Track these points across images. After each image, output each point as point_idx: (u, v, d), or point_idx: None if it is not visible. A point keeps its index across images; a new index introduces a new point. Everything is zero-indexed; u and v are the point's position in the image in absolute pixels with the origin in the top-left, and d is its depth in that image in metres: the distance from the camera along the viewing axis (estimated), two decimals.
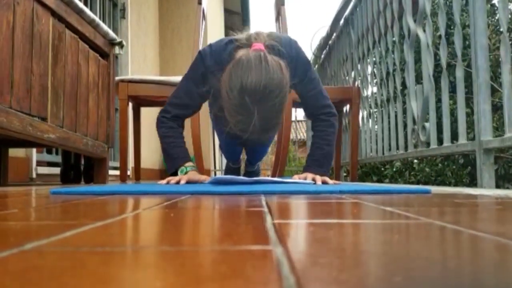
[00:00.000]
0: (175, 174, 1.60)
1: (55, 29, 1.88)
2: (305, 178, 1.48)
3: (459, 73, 1.75)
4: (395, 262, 0.28)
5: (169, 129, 1.64)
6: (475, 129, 1.60)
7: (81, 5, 2.05)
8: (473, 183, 4.71)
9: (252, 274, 0.24)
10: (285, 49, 1.51)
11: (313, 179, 1.44)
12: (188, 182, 1.45)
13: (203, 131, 1.69)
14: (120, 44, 2.51)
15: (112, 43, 2.47)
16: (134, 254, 0.31)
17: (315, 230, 0.42)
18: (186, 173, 1.56)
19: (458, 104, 1.76)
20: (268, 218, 0.51)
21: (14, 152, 2.61)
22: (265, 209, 0.63)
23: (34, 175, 2.82)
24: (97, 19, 2.23)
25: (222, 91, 1.36)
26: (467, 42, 3.69)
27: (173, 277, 0.24)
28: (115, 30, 4.50)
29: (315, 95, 1.63)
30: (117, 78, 2.73)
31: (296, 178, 1.52)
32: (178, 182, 1.45)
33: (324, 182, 1.43)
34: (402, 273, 0.24)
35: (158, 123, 1.68)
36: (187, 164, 1.59)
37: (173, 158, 1.62)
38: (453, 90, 2.79)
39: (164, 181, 1.48)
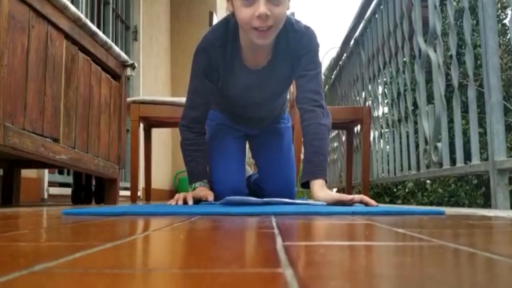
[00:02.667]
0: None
1: (68, 51, 1.91)
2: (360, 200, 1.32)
3: (471, 93, 1.75)
4: (408, 286, 0.27)
5: (187, 141, 1.66)
6: (489, 149, 1.59)
7: (94, 28, 2.09)
8: (487, 204, 4.65)
9: None
10: (296, 23, 1.56)
11: (366, 203, 1.31)
12: (194, 199, 1.48)
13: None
14: (132, 66, 2.54)
15: (124, 65, 2.50)
16: (142, 277, 0.31)
17: (326, 253, 0.41)
18: (194, 189, 1.59)
19: (471, 124, 1.75)
20: (279, 240, 0.50)
21: (26, 173, 2.63)
22: (276, 231, 0.62)
23: (45, 196, 2.84)
24: (109, 41, 2.26)
25: None
26: (478, 62, 3.68)
27: None
28: (127, 52, 4.56)
29: (314, 77, 1.57)
30: (128, 99, 2.75)
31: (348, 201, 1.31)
32: (185, 201, 1.47)
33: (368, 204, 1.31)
34: None
35: (180, 133, 1.71)
36: (197, 182, 1.62)
37: (189, 173, 1.65)
38: (465, 110, 2.77)
39: (173, 202, 1.50)
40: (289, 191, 1.87)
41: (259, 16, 1.35)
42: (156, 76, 5.33)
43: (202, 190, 1.57)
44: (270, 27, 1.40)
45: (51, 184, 2.99)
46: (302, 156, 2.59)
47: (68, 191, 2.97)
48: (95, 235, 0.60)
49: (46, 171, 2.86)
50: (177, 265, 0.35)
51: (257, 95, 1.70)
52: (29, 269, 0.32)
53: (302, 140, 1.63)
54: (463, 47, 4.00)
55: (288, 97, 1.99)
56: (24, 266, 0.33)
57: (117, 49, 2.36)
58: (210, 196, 1.50)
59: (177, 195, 1.52)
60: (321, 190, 1.41)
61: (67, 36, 1.89)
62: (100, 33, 2.16)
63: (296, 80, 1.62)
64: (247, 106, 1.78)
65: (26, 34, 1.59)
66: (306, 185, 1.49)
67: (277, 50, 1.56)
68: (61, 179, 3.21)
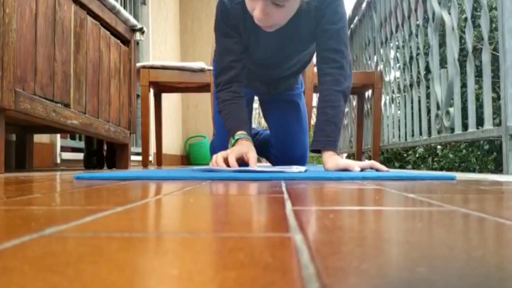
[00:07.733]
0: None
1: (77, 16, 1.89)
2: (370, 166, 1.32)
3: (485, 57, 1.71)
4: (418, 251, 0.27)
5: (222, 103, 1.51)
6: (502, 114, 1.57)
7: None
8: (498, 169, 4.63)
9: (271, 262, 0.24)
10: None
11: (377, 169, 1.31)
12: (237, 158, 1.31)
13: None
14: (141, 30, 2.52)
15: (133, 29, 2.47)
16: (152, 240, 0.31)
17: (336, 217, 0.41)
18: (234, 144, 1.40)
19: (484, 88, 1.72)
20: (288, 205, 0.51)
21: (39, 138, 2.65)
22: (285, 196, 0.62)
23: (58, 161, 2.87)
24: (118, 5, 2.23)
25: None
26: (493, 25, 3.60)
27: (190, 265, 0.23)
28: (136, 16, 4.51)
29: (336, 33, 1.45)
30: (138, 64, 2.74)
31: (355, 168, 1.28)
32: (227, 163, 1.30)
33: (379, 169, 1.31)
34: (425, 262, 0.24)
35: (216, 101, 1.55)
36: (237, 133, 1.43)
37: (228, 128, 1.49)
38: (478, 74, 2.73)
39: (213, 164, 1.32)
40: (301, 158, 1.86)
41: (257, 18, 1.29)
42: (166, 41, 5.29)
43: (244, 145, 1.37)
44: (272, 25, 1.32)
45: (64, 149, 3.02)
46: (312, 122, 2.57)
47: (80, 156, 3.00)
48: (106, 199, 0.60)
49: (58, 136, 2.89)
50: (187, 229, 0.35)
51: (278, 54, 1.58)
52: (39, 232, 0.33)
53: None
54: (478, 10, 3.90)
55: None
56: (35, 230, 0.34)
57: (125, 13, 2.34)
58: (252, 159, 1.32)
59: (215, 156, 1.32)
60: (330, 160, 1.39)
61: (75, 0, 1.87)
62: None
63: (317, 37, 1.49)
64: (267, 66, 1.67)
65: None
66: (316, 149, 1.46)
67: (300, 6, 1.39)
68: (73, 144, 3.24)
